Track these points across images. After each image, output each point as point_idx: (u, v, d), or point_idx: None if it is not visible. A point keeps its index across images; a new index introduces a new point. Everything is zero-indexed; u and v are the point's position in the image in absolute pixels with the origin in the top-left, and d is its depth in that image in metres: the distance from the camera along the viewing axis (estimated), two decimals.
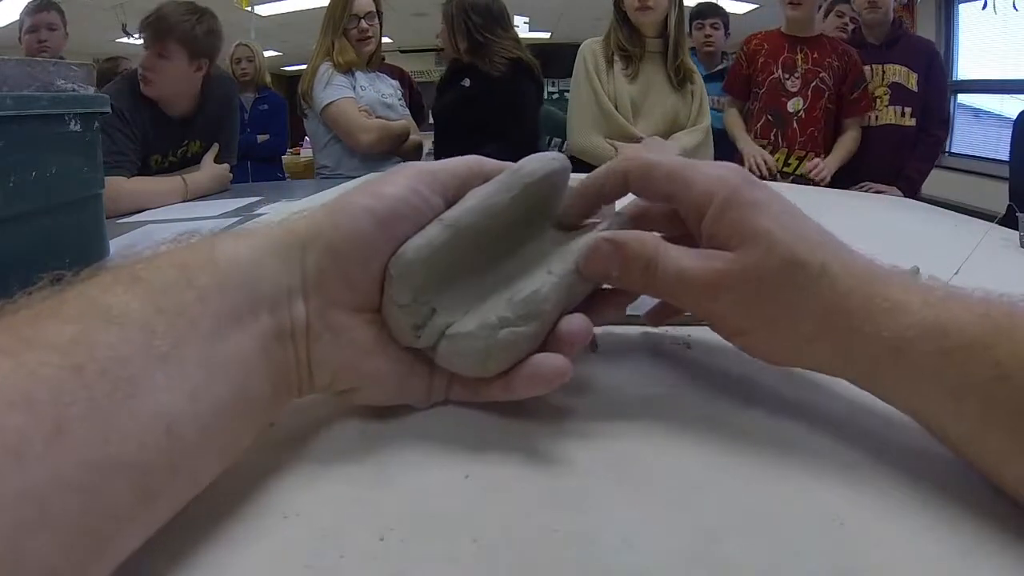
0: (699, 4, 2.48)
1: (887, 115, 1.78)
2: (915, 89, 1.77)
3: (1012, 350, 0.20)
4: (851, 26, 2.13)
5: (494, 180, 0.27)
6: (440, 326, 0.26)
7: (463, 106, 1.58)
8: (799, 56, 1.74)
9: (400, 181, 0.26)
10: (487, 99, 1.55)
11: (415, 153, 1.75)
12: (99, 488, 0.16)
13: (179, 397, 0.18)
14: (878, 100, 1.79)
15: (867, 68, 1.78)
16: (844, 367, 0.25)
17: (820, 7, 1.87)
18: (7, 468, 0.14)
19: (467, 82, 1.57)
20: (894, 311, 0.23)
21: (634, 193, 0.29)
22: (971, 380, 0.21)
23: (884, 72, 1.78)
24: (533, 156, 0.28)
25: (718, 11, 2.40)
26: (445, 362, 0.26)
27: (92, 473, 0.16)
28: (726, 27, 2.39)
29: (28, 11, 2.03)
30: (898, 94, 1.77)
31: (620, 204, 0.30)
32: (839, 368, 0.25)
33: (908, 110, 1.77)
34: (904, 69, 1.77)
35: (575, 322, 0.26)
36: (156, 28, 1.13)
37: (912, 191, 1.67)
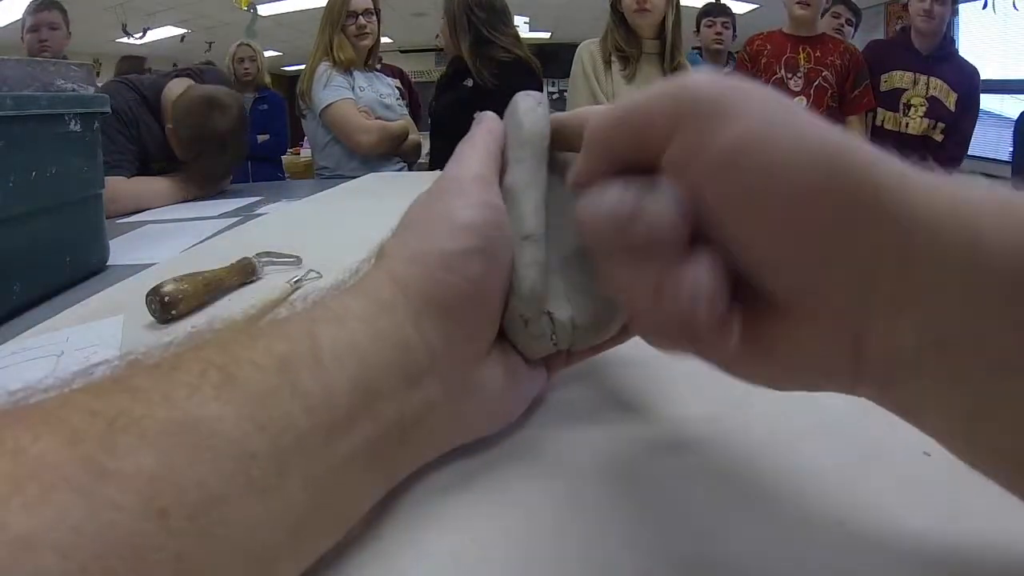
0: (707, 3, 2.48)
1: (920, 125, 1.79)
2: (952, 109, 1.77)
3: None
4: (846, 28, 2.14)
5: (515, 160, 0.24)
6: (564, 325, 0.24)
7: (465, 107, 1.57)
8: (802, 56, 1.75)
9: (472, 196, 0.22)
10: (490, 101, 1.54)
11: (414, 153, 1.75)
12: None
13: (280, 532, 0.16)
14: (913, 108, 1.79)
15: (909, 74, 1.78)
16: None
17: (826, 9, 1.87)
18: None
19: (469, 82, 1.57)
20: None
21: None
22: None
23: (928, 84, 1.77)
24: (520, 108, 0.24)
25: (726, 10, 2.40)
26: (583, 343, 0.25)
27: None
28: (734, 28, 2.39)
29: (30, 10, 2.03)
30: (935, 108, 1.78)
31: None
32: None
33: (941, 126, 1.78)
34: (946, 87, 1.77)
35: None
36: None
37: None
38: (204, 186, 1.15)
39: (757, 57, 1.81)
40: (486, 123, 0.25)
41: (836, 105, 1.76)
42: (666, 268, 0.16)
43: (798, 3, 1.73)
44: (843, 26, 2.16)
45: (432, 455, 0.23)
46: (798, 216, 0.15)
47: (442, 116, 1.66)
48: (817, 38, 1.77)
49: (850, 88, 1.75)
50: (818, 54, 1.75)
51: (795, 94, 1.75)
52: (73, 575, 0.12)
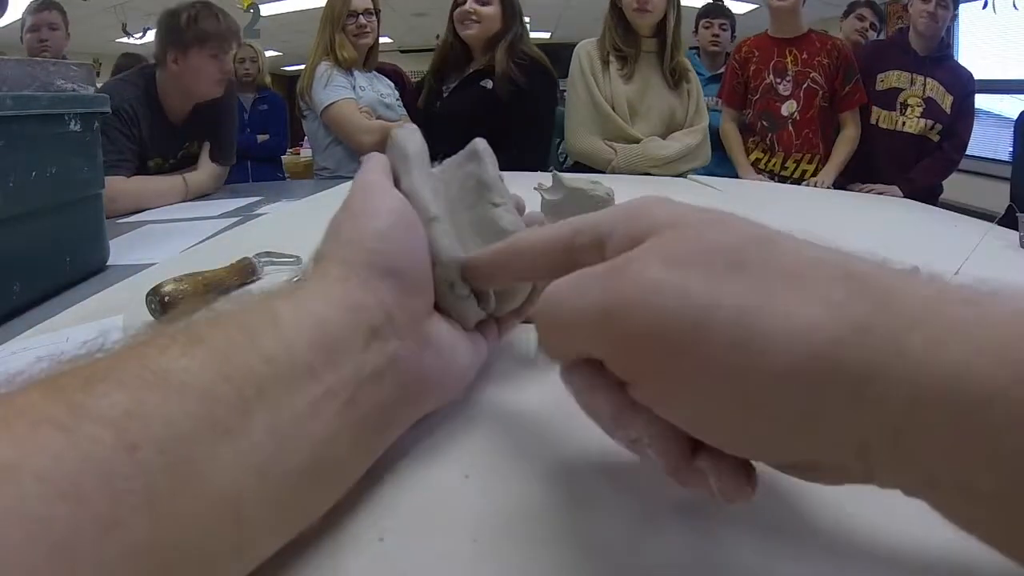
0: (706, 4, 2.48)
1: (916, 125, 1.79)
2: (947, 111, 1.78)
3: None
4: (870, 32, 2.13)
5: (404, 171, 0.28)
6: (487, 294, 0.28)
7: (485, 109, 1.54)
8: (789, 58, 1.75)
9: (381, 192, 0.26)
10: (510, 104, 1.51)
11: None
12: None
13: (246, 474, 0.17)
14: (909, 108, 1.79)
15: (906, 74, 1.78)
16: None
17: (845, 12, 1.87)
18: (56, 566, 0.13)
19: (488, 83, 1.55)
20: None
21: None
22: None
23: (925, 84, 1.78)
24: (400, 136, 0.29)
25: (725, 11, 2.40)
26: (503, 307, 0.29)
27: (148, 568, 0.14)
28: (732, 29, 2.39)
29: (30, 10, 2.03)
30: (931, 109, 1.78)
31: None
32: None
33: (938, 126, 1.78)
34: (942, 89, 1.78)
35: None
36: (237, 33, 1.18)
37: (911, 191, 1.68)
38: (226, 158, 1.20)
39: (747, 63, 1.81)
40: (373, 158, 0.29)
41: (827, 104, 1.76)
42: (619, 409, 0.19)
43: None
44: (867, 30, 2.15)
45: (408, 414, 0.24)
46: (779, 404, 0.15)
47: (457, 115, 1.61)
48: (802, 38, 1.77)
49: (840, 85, 1.75)
50: (804, 56, 1.74)
51: (785, 98, 1.76)
52: (49, 497, 0.13)
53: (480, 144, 0.31)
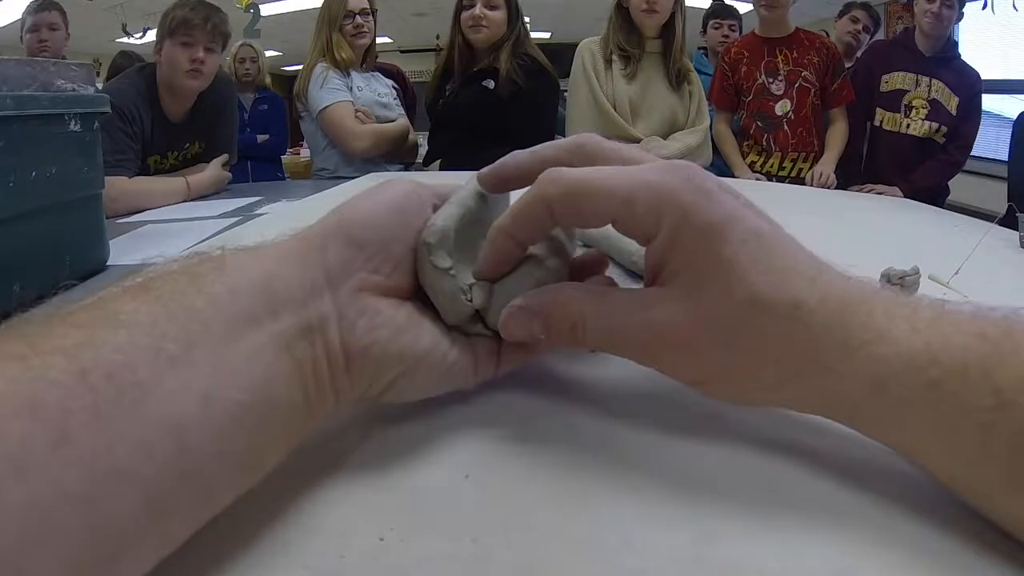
0: (713, 4, 2.48)
1: (921, 127, 1.78)
2: (953, 112, 1.77)
3: (1014, 374, 0.18)
4: (863, 34, 2.12)
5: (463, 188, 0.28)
6: (484, 286, 0.26)
7: (486, 108, 1.54)
8: (779, 58, 1.75)
9: (401, 184, 0.27)
10: (510, 104, 1.51)
11: (411, 153, 1.75)
12: (105, 500, 0.15)
13: (190, 402, 0.17)
14: (914, 111, 1.79)
15: (911, 76, 1.78)
16: (819, 407, 0.23)
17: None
18: (9, 479, 0.13)
19: (490, 83, 1.55)
20: (876, 342, 0.20)
21: (566, 225, 0.26)
22: (967, 411, 0.19)
23: (931, 86, 1.77)
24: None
25: (733, 12, 2.40)
26: (495, 312, 0.26)
27: (98, 484, 0.15)
28: (741, 29, 2.40)
29: (30, 10, 2.03)
30: (936, 111, 1.77)
31: None
32: (819, 409, 0.23)
33: (944, 128, 1.77)
34: (947, 90, 1.77)
35: (590, 253, 0.30)
36: (216, 23, 1.16)
37: (911, 191, 1.68)
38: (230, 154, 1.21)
39: (737, 65, 1.81)
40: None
41: (819, 102, 1.77)
42: None
43: (763, 5, 1.73)
44: (860, 32, 2.15)
45: (367, 376, 0.24)
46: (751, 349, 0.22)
47: (459, 115, 1.62)
48: (791, 37, 1.77)
49: (830, 82, 1.75)
50: (795, 55, 1.75)
51: (778, 98, 1.76)
52: (4, 414, 0.14)
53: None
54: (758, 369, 0.22)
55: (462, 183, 0.29)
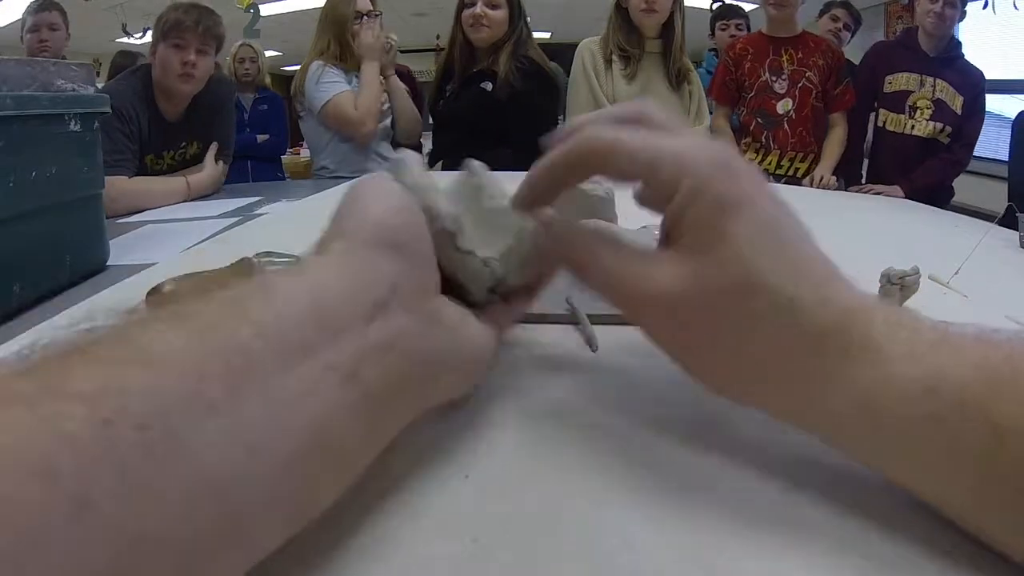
0: (720, 6, 2.49)
1: (925, 128, 1.78)
2: (958, 112, 1.77)
3: (1011, 410, 0.18)
4: (843, 33, 2.13)
5: (406, 168, 0.28)
6: (501, 257, 0.28)
7: (484, 110, 1.54)
8: (784, 57, 1.75)
9: (381, 181, 0.26)
10: (507, 106, 1.50)
11: (416, 128, 1.75)
12: (134, 570, 0.13)
13: (234, 453, 0.15)
14: (918, 112, 1.79)
15: (915, 76, 1.77)
16: (797, 415, 0.22)
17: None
18: (25, 553, 0.12)
19: (488, 85, 1.55)
20: (873, 362, 0.20)
21: (599, 175, 0.26)
22: (964, 448, 0.18)
23: (935, 86, 1.77)
24: (396, 159, 0.29)
25: (740, 11, 2.41)
26: (518, 277, 0.28)
27: (125, 553, 0.13)
28: (748, 28, 2.40)
29: (30, 10, 2.03)
30: (941, 111, 1.77)
31: None
32: (798, 418, 0.22)
33: (948, 128, 1.77)
34: (952, 90, 1.76)
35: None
36: (208, 26, 1.16)
37: (911, 190, 1.68)
38: (228, 155, 1.21)
39: (740, 61, 1.80)
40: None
41: (821, 104, 1.77)
42: None
43: (773, 4, 1.73)
44: (840, 31, 2.15)
45: (419, 395, 0.22)
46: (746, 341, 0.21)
47: (458, 117, 1.61)
48: (798, 38, 1.77)
49: (833, 86, 1.76)
50: (800, 55, 1.75)
51: (780, 96, 1.76)
52: (20, 476, 0.12)
53: (473, 163, 0.31)
54: (739, 354, 0.22)
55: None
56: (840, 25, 2.15)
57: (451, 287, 0.26)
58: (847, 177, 1.86)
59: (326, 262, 0.21)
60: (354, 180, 0.27)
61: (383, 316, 0.20)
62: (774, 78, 1.76)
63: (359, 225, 0.23)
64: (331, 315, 0.19)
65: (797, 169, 1.77)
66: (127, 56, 2.51)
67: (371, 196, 0.24)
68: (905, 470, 0.20)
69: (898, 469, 0.20)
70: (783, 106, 1.76)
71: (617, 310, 0.25)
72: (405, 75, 1.92)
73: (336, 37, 1.58)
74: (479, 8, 1.50)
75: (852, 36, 2.23)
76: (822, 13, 2.24)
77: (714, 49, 2.45)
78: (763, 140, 1.78)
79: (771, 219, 0.22)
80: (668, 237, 0.24)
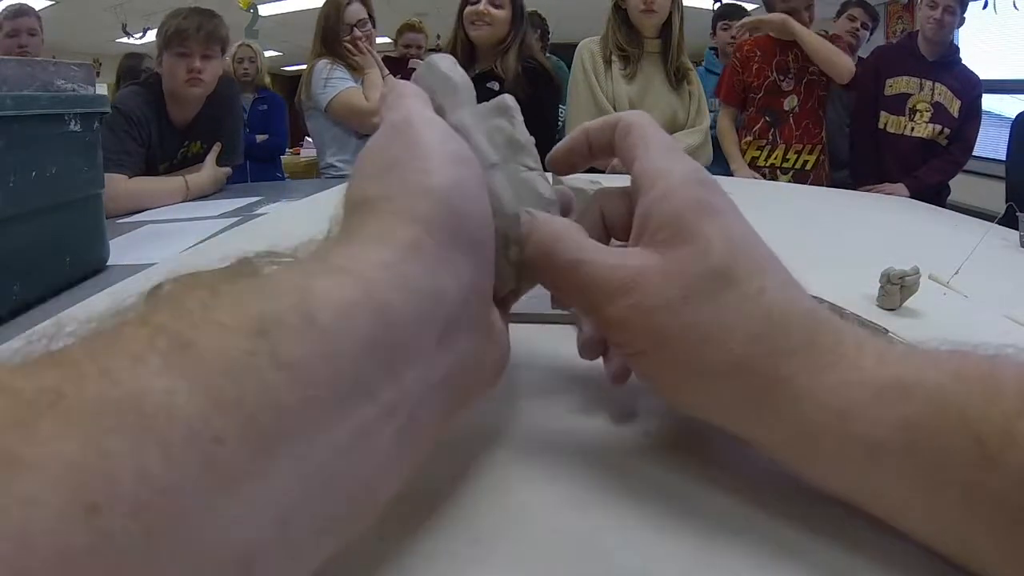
0: (723, 5, 2.50)
1: (924, 129, 1.81)
2: (956, 115, 1.80)
3: (1000, 425, 0.16)
4: (861, 32, 2.14)
5: (453, 105, 0.24)
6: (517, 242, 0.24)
7: None
8: (791, 57, 1.78)
9: (440, 130, 0.21)
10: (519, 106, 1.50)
11: None
12: None
13: (261, 529, 0.12)
14: (918, 114, 1.81)
15: (915, 80, 1.81)
16: (763, 427, 0.20)
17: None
18: None
19: (495, 85, 1.54)
20: (840, 364, 0.18)
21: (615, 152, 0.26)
22: (948, 461, 0.16)
23: (934, 89, 1.80)
24: (442, 65, 0.26)
25: (743, 13, 2.42)
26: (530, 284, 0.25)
27: None
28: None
29: (7, 15, 2.03)
30: (939, 114, 1.80)
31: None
32: (756, 427, 0.20)
33: (947, 131, 1.80)
34: (950, 94, 1.80)
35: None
36: (209, 30, 1.17)
37: (915, 190, 1.69)
38: (234, 156, 1.21)
39: (748, 63, 1.83)
40: (403, 84, 0.24)
41: (826, 93, 1.80)
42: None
43: (784, 11, 1.76)
44: (858, 30, 2.16)
45: (457, 416, 0.20)
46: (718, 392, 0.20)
47: None
48: None
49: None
50: (805, 53, 1.78)
51: (787, 94, 1.79)
52: None
53: (510, 100, 0.26)
54: (709, 347, 0.20)
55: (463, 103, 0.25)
56: (858, 24, 2.16)
57: None
58: (856, 176, 1.88)
59: (395, 261, 0.16)
60: (387, 114, 0.21)
61: (449, 339, 0.17)
62: (781, 77, 1.78)
63: (423, 199, 0.18)
64: (395, 343, 0.15)
65: (806, 161, 1.79)
66: (135, 58, 2.52)
67: (425, 152, 0.19)
68: (881, 489, 0.18)
69: (875, 490, 0.18)
70: (789, 103, 1.79)
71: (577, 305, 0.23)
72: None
73: (330, 50, 1.58)
74: (482, 5, 1.50)
75: (871, 34, 2.24)
76: (839, 14, 2.25)
77: (714, 48, 2.45)
78: (769, 137, 1.80)
79: (743, 226, 0.22)
80: (634, 236, 0.23)
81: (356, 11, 1.60)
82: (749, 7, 2.55)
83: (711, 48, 2.50)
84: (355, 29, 1.59)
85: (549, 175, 0.27)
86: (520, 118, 0.26)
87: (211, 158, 1.20)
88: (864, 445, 0.18)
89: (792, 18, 1.74)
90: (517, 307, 0.27)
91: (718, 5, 2.60)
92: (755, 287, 0.20)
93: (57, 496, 0.10)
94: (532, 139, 0.26)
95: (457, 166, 0.19)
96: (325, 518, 0.14)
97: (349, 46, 1.57)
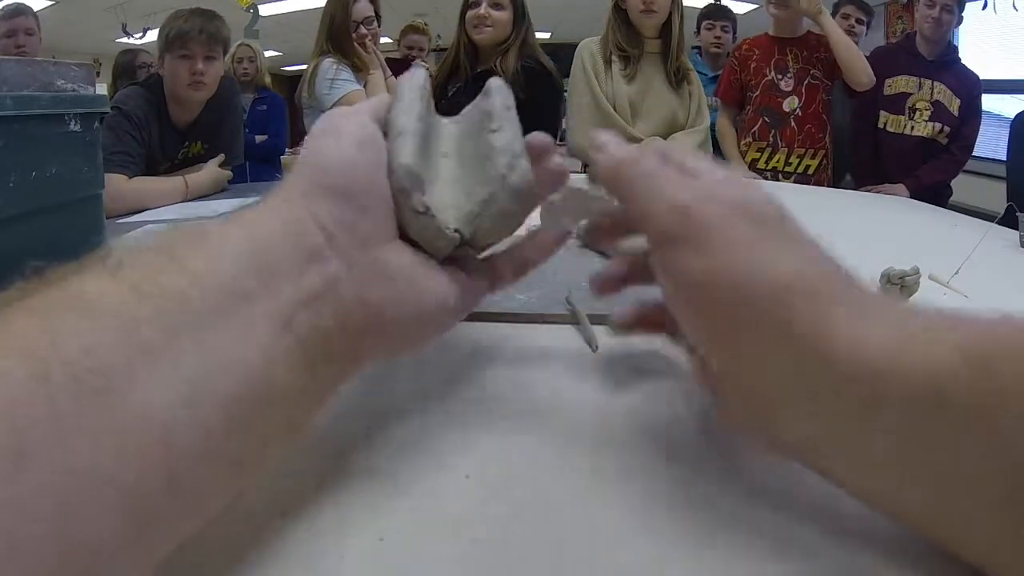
0: (708, 5, 2.50)
1: (924, 128, 1.81)
2: (955, 114, 1.80)
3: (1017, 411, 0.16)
4: (856, 27, 2.14)
5: (398, 97, 0.27)
6: (465, 213, 0.25)
7: None
8: (790, 56, 1.77)
9: (346, 116, 0.25)
10: (516, 106, 1.51)
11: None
12: (76, 518, 0.13)
13: (173, 397, 0.15)
14: (918, 113, 1.81)
15: (914, 79, 1.81)
16: (813, 417, 0.20)
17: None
18: None
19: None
20: (864, 344, 0.19)
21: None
22: (986, 456, 0.16)
23: (933, 88, 1.80)
24: (401, 77, 0.28)
25: (727, 14, 2.42)
26: (492, 234, 0.26)
27: (66, 501, 0.13)
28: (734, 31, 2.40)
29: (4, 15, 2.02)
30: (939, 113, 1.80)
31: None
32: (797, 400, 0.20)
33: (946, 129, 1.80)
34: (949, 92, 1.80)
35: (537, 137, 0.27)
36: (211, 32, 1.17)
37: (915, 189, 1.69)
38: (235, 157, 1.22)
39: (746, 62, 1.83)
40: (367, 100, 0.28)
41: (829, 98, 1.78)
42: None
43: (773, 3, 1.75)
44: (853, 26, 2.16)
45: (360, 347, 0.22)
46: (739, 335, 0.20)
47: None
48: (803, 38, 1.79)
49: (839, 67, 1.77)
50: (805, 53, 1.77)
51: (787, 94, 1.77)
52: None
53: (494, 82, 0.29)
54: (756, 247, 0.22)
55: (387, 94, 0.28)
56: (852, 21, 2.16)
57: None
58: (858, 176, 1.87)
59: (263, 209, 0.21)
60: (327, 112, 0.26)
61: (317, 264, 0.20)
62: (780, 76, 1.77)
63: (304, 169, 0.23)
64: (266, 263, 0.19)
65: (808, 166, 1.78)
66: (129, 54, 2.52)
67: (329, 135, 0.24)
68: (893, 476, 0.18)
69: (910, 489, 0.18)
70: (789, 104, 1.77)
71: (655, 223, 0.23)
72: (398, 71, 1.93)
73: (336, 47, 1.58)
74: (483, 9, 1.50)
75: (868, 30, 2.24)
76: (833, 13, 2.26)
77: (697, 47, 2.45)
78: (770, 139, 1.79)
79: (776, 219, 0.25)
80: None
81: (363, 8, 1.59)
82: (744, 8, 2.54)
83: (694, 47, 2.49)
84: (361, 27, 1.59)
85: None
86: (498, 94, 0.28)
87: (213, 162, 1.21)
88: (890, 434, 0.18)
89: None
90: (514, 307, 0.27)
91: (707, 5, 2.60)
92: (782, 287, 0.21)
93: (19, 365, 0.14)
94: (508, 106, 0.28)
95: (336, 140, 0.23)
96: (224, 397, 0.17)
97: (357, 44, 1.57)
